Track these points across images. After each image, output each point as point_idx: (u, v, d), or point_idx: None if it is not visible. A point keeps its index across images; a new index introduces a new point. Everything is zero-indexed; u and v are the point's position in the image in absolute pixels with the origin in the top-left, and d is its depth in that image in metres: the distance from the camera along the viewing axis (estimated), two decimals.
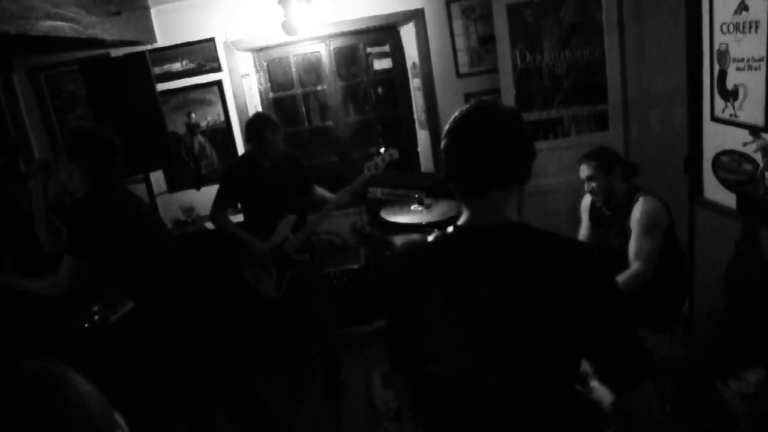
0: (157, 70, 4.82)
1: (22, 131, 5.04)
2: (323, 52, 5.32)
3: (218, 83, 5.05)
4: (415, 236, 3.06)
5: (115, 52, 4.78)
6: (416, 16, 4.88)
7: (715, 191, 3.44)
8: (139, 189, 4.30)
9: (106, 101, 4.09)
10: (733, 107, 3.21)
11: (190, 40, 4.95)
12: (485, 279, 1.45)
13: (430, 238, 1.60)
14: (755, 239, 3.01)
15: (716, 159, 3.40)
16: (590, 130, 4.73)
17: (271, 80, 5.47)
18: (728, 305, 3.34)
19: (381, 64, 5.64)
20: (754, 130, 2.90)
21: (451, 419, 1.59)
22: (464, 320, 1.47)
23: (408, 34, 5.09)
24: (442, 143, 1.56)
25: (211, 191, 4.76)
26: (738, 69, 3.12)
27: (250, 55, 5.25)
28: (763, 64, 2.84)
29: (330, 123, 5.56)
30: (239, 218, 4.13)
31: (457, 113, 1.56)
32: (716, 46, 3.27)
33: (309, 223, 4.02)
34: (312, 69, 5.65)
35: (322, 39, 5.21)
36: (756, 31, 2.84)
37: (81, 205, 2.78)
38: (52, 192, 2.96)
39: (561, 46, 4.65)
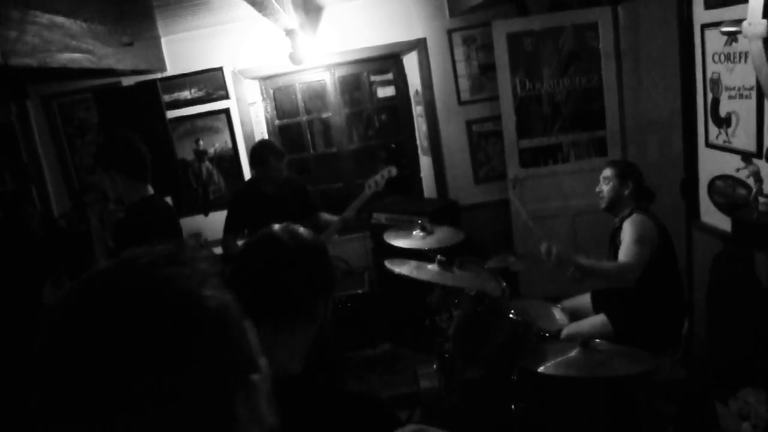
0: (166, 97, 4.95)
1: (34, 157, 5.16)
2: (328, 80, 5.46)
3: (226, 111, 5.18)
4: (413, 263, 3.14)
5: (126, 80, 4.92)
6: (419, 45, 5.02)
7: (711, 215, 3.52)
8: None
9: (118, 128, 4.20)
10: (727, 134, 3.30)
11: (199, 68, 5.09)
12: None
13: None
14: (750, 262, 3.09)
15: (711, 184, 3.49)
16: (589, 155, 4.83)
17: (277, 108, 5.60)
18: (726, 327, 3.41)
19: (384, 92, 5.77)
20: (746, 156, 2.98)
21: None
22: None
23: (411, 62, 5.22)
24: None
25: (218, 216, 4.87)
26: (730, 97, 3.22)
27: (257, 83, 5.38)
28: (753, 93, 2.93)
29: (334, 149, 5.67)
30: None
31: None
32: (709, 75, 3.38)
33: None
34: (317, 96, 5.78)
35: (327, 68, 5.34)
36: (745, 61, 2.94)
37: (137, 209, 2.91)
38: (107, 219, 3.12)
39: (560, 74, 4.78)
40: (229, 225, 4.10)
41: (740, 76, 3.04)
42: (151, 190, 3.02)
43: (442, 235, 3.55)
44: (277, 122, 5.58)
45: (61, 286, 3.01)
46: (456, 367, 2.89)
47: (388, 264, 3.06)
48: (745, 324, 3.20)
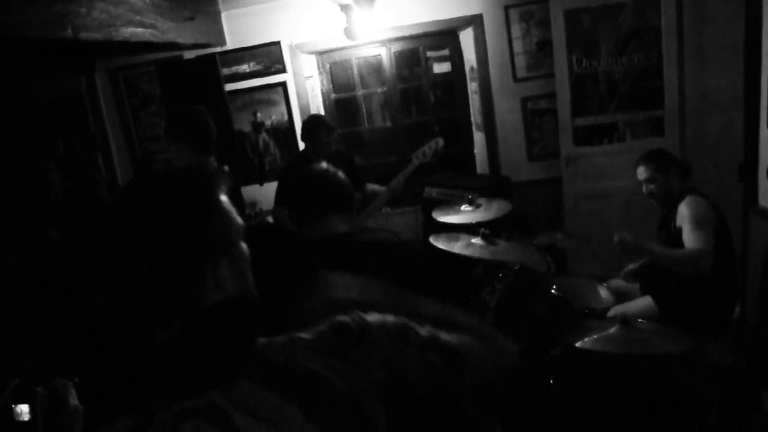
0: (225, 71, 5.09)
1: (101, 128, 5.40)
2: (384, 55, 5.49)
3: (283, 84, 5.29)
4: (458, 237, 3.18)
5: (188, 54, 5.08)
6: (475, 21, 4.99)
7: None
8: None
9: (179, 99, 4.36)
10: None
11: (257, 43, 5.20)
12: None
13: None
14: None
15: None
16: (645, 135, 4.74)
17: (333, 82, 5.67)
18: None
19: (440, 68, 5.77)
20: None
21: None
22: None
23: (467, 38, 5.21)
24: None
25: (273, 187, 4.97)
26: None
27: (313, 57, 5.46)
28: None
29: (389, 124, 5.73)
30: None
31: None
32: None
33: (366, 211, 4.19)
34: (373, 71, 5.82)
35: (383, 42, 5.38)
36: None
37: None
38: None
39: (618, 52, 4.68)
40: (280, 197, 4.22)
41: None
42: (215, 163, 3.14)
43: (489, 208, 3.57)
44: (333, 96, 5.66)
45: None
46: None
47: (432, 240, 3.11)
48: None
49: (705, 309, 3.19)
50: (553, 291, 2.94)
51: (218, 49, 5.09)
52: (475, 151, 5.63)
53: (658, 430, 2.92)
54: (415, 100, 5.99)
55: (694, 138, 4.64)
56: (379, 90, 5.72)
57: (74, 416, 1.47)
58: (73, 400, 1.56)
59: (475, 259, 2.99)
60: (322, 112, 5.57)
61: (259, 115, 5.36)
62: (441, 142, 4.20)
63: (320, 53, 5.46)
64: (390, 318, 1.15)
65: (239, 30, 5.15)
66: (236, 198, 3.36)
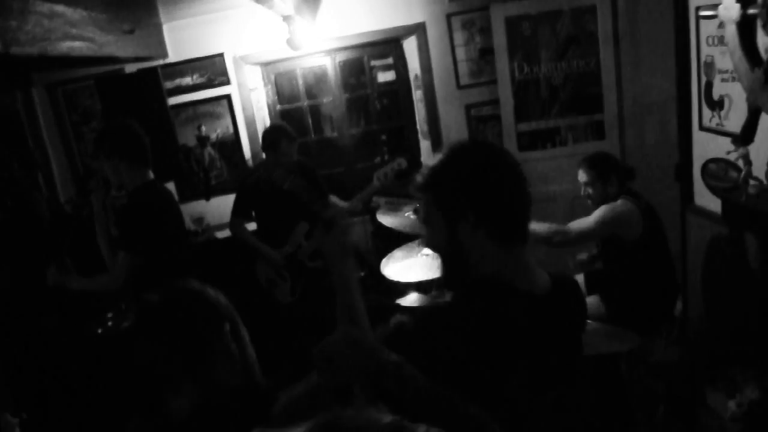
0: (168, 84, 5.01)
1: (40, 144, 5.24)
2: (329, 64, 5.50)
3: (227, 97, 5.23)
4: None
5: (129, 67, 4.98)
6: (418, 29, 5.04)
7: (705, 198, 3.55)
8: None
9: (120, 115, 4.26)
10: (719, 117, 3.33)
11: (200, 55, 5.14)
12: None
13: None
14: (740, 244, 3.13)
15: (705, 167, 3.52)
16: (587, 139, 4.86)
17: (278, 93, 5.65)
18: (717, 308, 3.45)
19: (385, 76, 5.80)
20: (736, 139, 3.01)
21: None
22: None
23: (410, 46, 5.26)
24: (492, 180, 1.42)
25: (220, 201, 4.94)
26: (723, 80, 3.24)
27: (258, 68, 5.43)
28: None
29: (335, 134, 5.73)
30: (252, 226, 4.30)
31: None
32: (703, 58, 3.40)
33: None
34: (318, 81, 5.82)
35: (328, 52, 5.38)
36: None
37: (139, 193, 2.98)
38: (110, 205, 3.21)
39: (558, 58, 4.80)
40: (238, 209, 4.16)
41: None
42: (151, 175, 3.09)
43: None
44: (278, 107, 5.63)
45: (65, 270, 3.09)
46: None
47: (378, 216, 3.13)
48: (735, 305, 3.25)
49: (648, 306, 3.30)
50: None
51: (160, 62, 5.00)
52: (422, 158, 5.67)
53: (608, 428, 2.99)
54: (362, 109, 6.00)
55: (633, 140, 4.78)
56: (324, 100, 5.72)
57: None
58: None
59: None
60: (268, 124, 5.54)
61: (203, 128, 5.29)
62: (404, 163, 4.18)
63: (264, 64, 5.43)
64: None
65: (182, 42, 5.08)
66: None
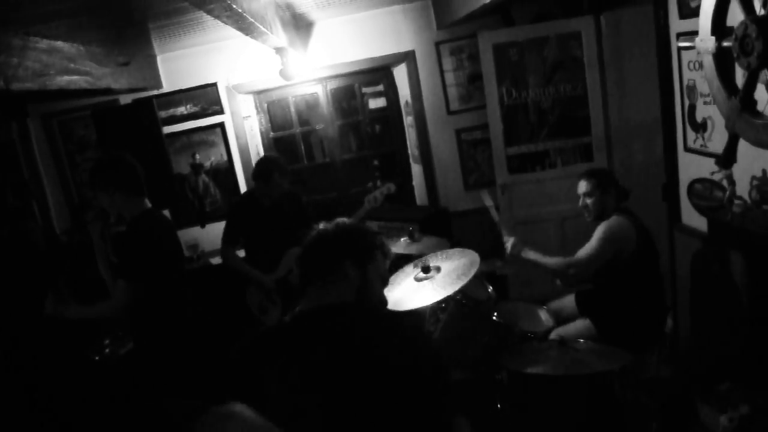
0: (162, 113, 5.08)
1: (35, 174, 5.29)
2: (321, 92, 5.59)
3: (221, 125, 5.32)
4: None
5: (124, 97, 5.06)
6: (408, 57, 5.15)
7: (691, 217, 3.62)
8: None
9: (116, 144, 4.32)
10: (703, 138, 3.41)
11: (194, 85, 5.23)
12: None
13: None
14: (726, 262, 3.20)
15: (690, 187, 3.59)
16: (576, 161, 4.95)
17: (271, 121, 5.73)
18: (706, 325, 3.51)
19: (376, 103, 5.90)
20: (719, 160, 3.09)
21: None
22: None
23: (401, 74, 5.36)
24: None
25: (215, 228, 4.98)
26: (705, 103, 3.33)
27: (251, 97, 5.51)
28: None
29: (328, 160, 5.80)
30: (242, 252, 4.35)
31: None
32: (685, 82, 3.49)
33: None
34: (311, 108, 5.91)
35: (320, 80, 5.48)
36: None
37: (137, 223, 3.01)
38: (108, 235, 3.24)
39: (545, 83, 4.90)
40: (228, 236, 4.21)
41: None
42: (148, 204, 3.13)
43: (428, 244, 3.65)
44: (271, 135, 5.71)
45: (62, 300, 3.11)
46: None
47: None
48: (723, 322, 3.31)
49: (639, 325, 3.35)
50: (494, 318, 3.02)
51: (155, 92, 5.09)
52: (414, 183, 5.75)
53: None
54: (353, 135, 6.09)
55: (621, 161, 4.87)
56: (317, 127, 5.80)
57: None
58: None
59: None
60: (261, 151, 5.61)
61: (197, 156, 5.36)
62: (393, 188, 4.28)
63: (257, 93, 5.52)
64: None
65: (176, 72, 5.17)
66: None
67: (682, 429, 3.24)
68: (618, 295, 3.35)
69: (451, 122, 5.28)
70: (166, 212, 5.29)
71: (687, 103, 3.52)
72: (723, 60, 1.91)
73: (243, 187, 5.37)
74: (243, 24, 2.75)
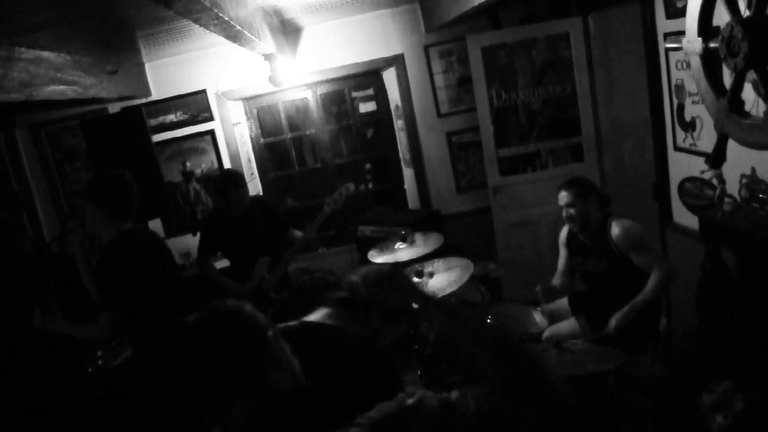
0: (152, 121, 5.06)
1: (24, 184, 5.26)
2: (310, 97, 5.58)
3: (211, 132, 5.30)
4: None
5: (112, 106, 5.03)
6: (397, 61, 5.15)
7: (683, 216, 3.65)
8: None
9: (105, 154, 4.29)
10: (692, 137, 3.43)
11: (183, 92, 5.21)
12: None
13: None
14: (718, 260, 3.21)
15: (681, 185, 3.61)
16: (566, 161, 4.96)
17: (261, 126, 5.72)
18: (699, 322, 3.53)
19: (366, 107, 5.90)
20: (709, 160, 3.10)
21: None
22: None
23: (390, 77, 5.35)
24: None
25: None
26: (693, 102, 3.35)
27: (240, 104, 5.50)
28: None
29: (319, 165, 5.79)
30: (226, 263, 4.37)
31: None
32: (674, 82, 3.52)
33: (281, 262, 4.22)
34: (301, 114, 5.90)
35: (309, 86, 5.47)
36: None
37: (113, 247, 2.95)
38: (89, 244, 3.20)
39: (534, 84, 4.91)
40: (203, 249, 4.22)
41: None
42: (129, 225, 3.04)
43: (423, 243, 3.65)
44: (262, 141, 5.70)
45: (50, 313, 3.08)
46: (439, 372, 2.99)
47: (369, 257, 3.17)
48: (716, 319, 3.32)
49: (633, 324, 3.35)
50: (488, 320, 3.03)
51: (143, 100, 5.07)
52: (406, 186, 5.75)
53: None
54: (344, 140, 6.09)
55: (612, 161, 4.88)
56: (307, 132, 5.79)
57: None
58: None
59: None
60: (252, 158, 5.60)
61: (188, 164, 5.34)
62: (351, 187, 4.36)
63: (247, 99, 5.51)
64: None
65: (164, 80, 5.15)
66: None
67: (677, 427, 3.25)
68: (612, 295, 3.35)
69: (441, 125, 5.28)
70: (157, 222, 5.29)
71: (676, 102, 3.54)
72: (710, 61, 1.92)
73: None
74: (231, 32, 2.74)
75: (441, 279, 3.05)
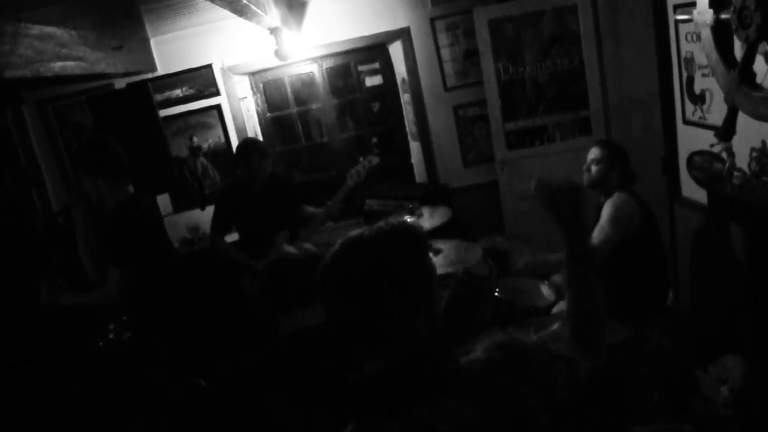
0: (158, 97, 5.05)
1: (32, 161, 5.27)
2: (316, 71, 5.55)
3: (217, 107, 5.29)
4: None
5: (118, 82, 5.02)
6: (403, 34, 5.11)
7: (691, 190, 3.64)
8: None
9: (112, 130, 4.30)
10: (702, 110, 3.41)
11: (189, 67, 5.19)
12: None
13: None
14: (726, 234, 3.20)
15: (690, 159, 3.60)
16: (574, 135, 4.94)
17: (267, 101, 5.70)
18: (706, 296, 3.53)
19: (372, 81, 5.86)
20: (719, 133, 3.08)
21: None
22: None
23: (396, 51, 5.32)
24: None
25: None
26: (703, 75, 3.32)
27: (246, 78, 5.48)
28: None
29: (325, 139, 5.78)
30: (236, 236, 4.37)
31: None
32: (683, 54, 3.48)
33: (303, 233, 4.22)
34: (307, 88, 5.87)
35: (315, 60, 5.44)
36: None
37: (121, 209, 2.99)
38: (91, 218, 3.22)
39: (542, 57, 4.87)
40: (217, 224, 4.20)
41: None
42: (131, 189, 3.09)
43: (430, 217, 3.66)
44: (268, 115, 5.69)
45: (57, 287, 3.10)
46: (446, 345, 3.01)
47: None
48: (723, 293, 3.32)
49: (639, 298, 3.36)
50: (496, 294, 3.04)
51: (149, 76, 5.05)
52: (413, 160, 5.74)
53: (603, 417, 3.06)
54: (351, 114, 6.06)
55: (620, 135, 4.85)
56: (314, 106, 5.77)
57: None
58: None
59: None
60: (259, 132, 5.59)
61: (195, 139, 5.34)
62: (375, 160, 4.28)
63: (253, 74, 5.48)
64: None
65: (170, 55, 5.13)
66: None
67: (683, 399, 3.28)
68: (621, 270, 3.33)
69: (448, 98, 5.25)
70: (166, 196, 5.31)
71: (685, 75, 3.51)
72: (721, 32, 1.90)
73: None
74: (236, 5, 2.73)
75: (448, 254, 3.06)
